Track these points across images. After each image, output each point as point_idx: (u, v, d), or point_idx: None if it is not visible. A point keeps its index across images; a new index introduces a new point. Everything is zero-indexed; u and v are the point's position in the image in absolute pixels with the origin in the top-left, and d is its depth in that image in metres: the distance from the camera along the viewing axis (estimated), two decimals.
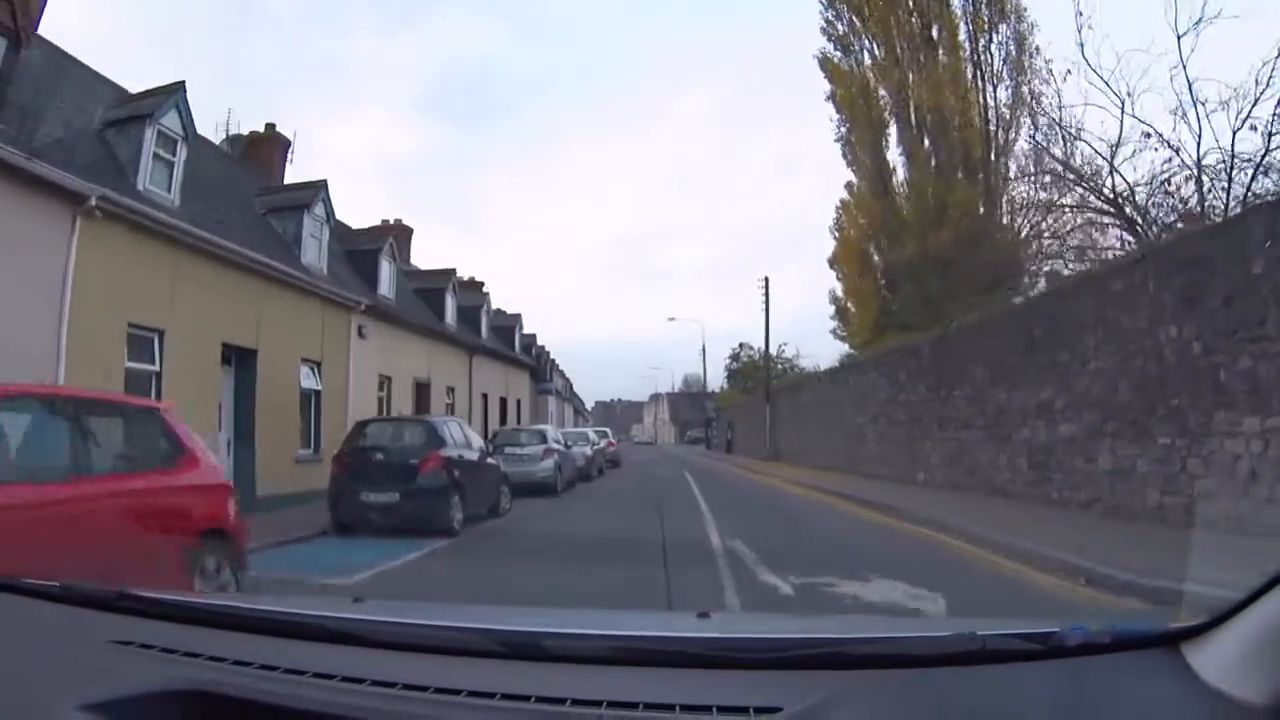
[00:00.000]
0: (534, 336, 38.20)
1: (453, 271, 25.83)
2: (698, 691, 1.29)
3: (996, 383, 15.69)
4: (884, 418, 21.86)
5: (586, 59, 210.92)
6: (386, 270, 21.12)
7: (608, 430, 35.09)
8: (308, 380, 16.83)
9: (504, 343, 32.49)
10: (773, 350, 63.21)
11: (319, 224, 18.00)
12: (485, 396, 28.60)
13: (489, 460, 14.28)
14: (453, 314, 25.64)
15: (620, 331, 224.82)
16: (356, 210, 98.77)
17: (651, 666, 1.40)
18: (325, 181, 18.35)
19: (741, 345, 65.75)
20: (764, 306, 37.34)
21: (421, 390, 22.44)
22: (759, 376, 62.60)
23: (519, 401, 33.12)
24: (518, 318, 33.73)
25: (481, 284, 36.12)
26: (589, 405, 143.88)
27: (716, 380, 68.02)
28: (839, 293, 35.76)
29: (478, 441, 14.33)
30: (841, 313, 35.99)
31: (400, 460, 12.00)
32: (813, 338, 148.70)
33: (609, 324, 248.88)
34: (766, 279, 37.86)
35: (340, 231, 21.88)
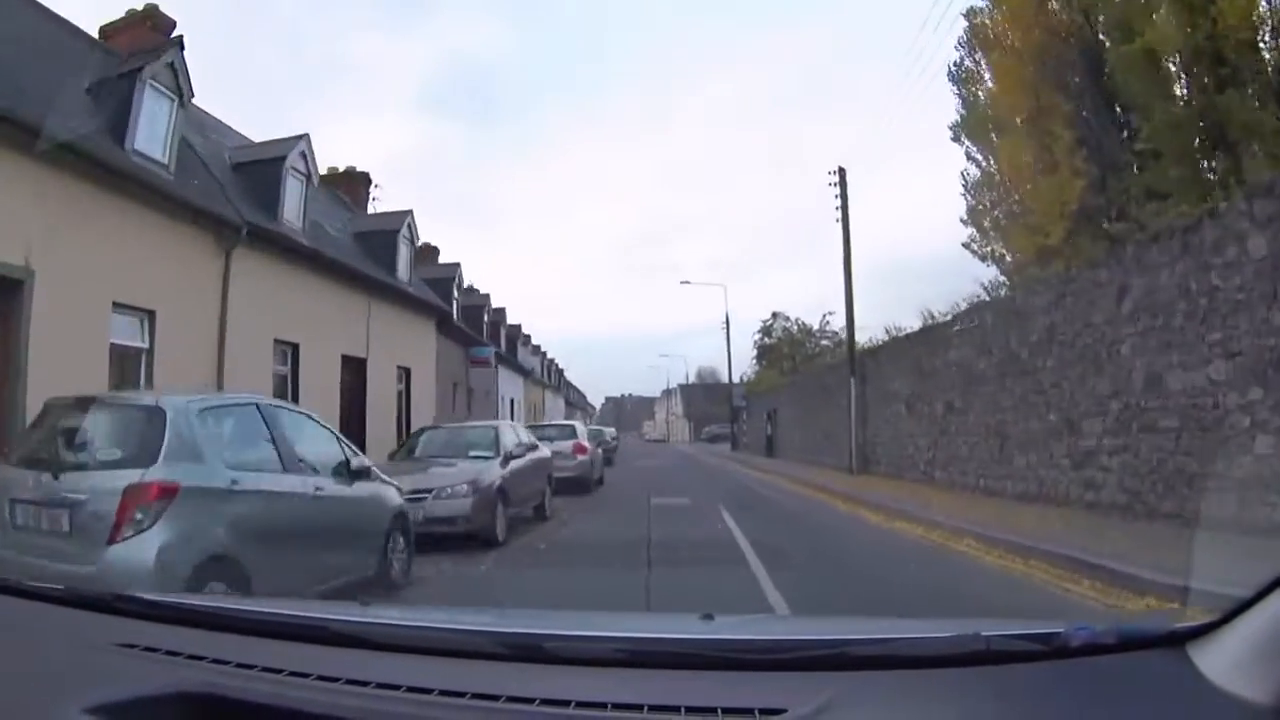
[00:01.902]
0: (455, 264, 22.70)
1: (178, 42, 10.77)
2: (702, 693, 1.27)
3: None
4: None
5: (590, 56, 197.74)
6: None
7: (577, 425, 19.75)
8: None
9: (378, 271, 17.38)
10: (813, 321, 48.79)
11: None
12: (293, 349, 13.63)
13: None
14: (166, 143, 10.68)
15: (629, 329, 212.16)
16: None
17: (656, 668, 1.38)
18: None
19: (775, 315, 50.46)
20: (838, 213, 22.00)
21: None
22: (802, 353, 47.84)
23: (407, 373, 17.98)
24: (403, 212, 18.30)
25: (367, 177, 21.32)
26: (599, 402, 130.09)
27: (737, 371, 52.26)
28: (977, 172, 20.68)
29: None
30: (978, 216, 20.89)
31: None
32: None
33: (616, 322, 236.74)
34: (841, 170, 22.59)
35: None
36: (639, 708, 1.22)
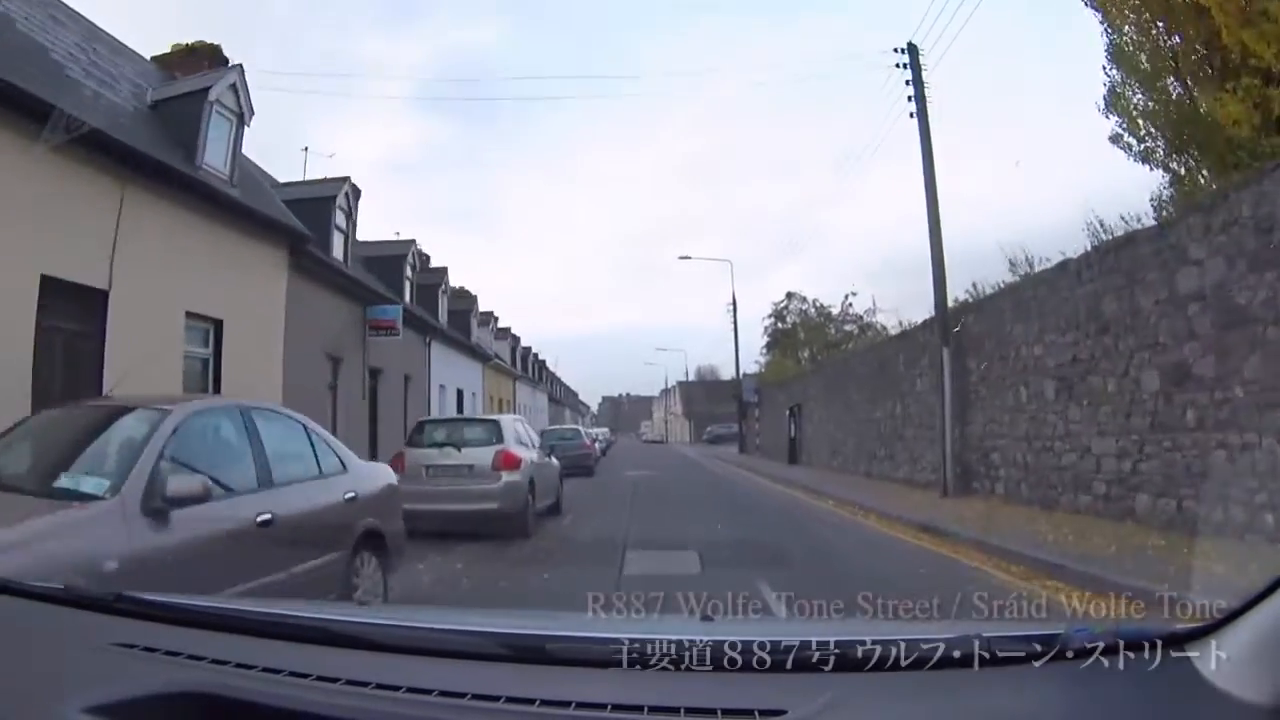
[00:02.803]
0: (341, 179, 15.43)
1: None
2: (702, 694, 1.25)
3: None
4: None
5: (592, 53, 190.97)
6: None
7: (504, 422, 11.87)
8: None
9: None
10: (830, 304, 41.69)
11: None
12: None
13: None
14: None
15: (627, 330, 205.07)
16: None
17: (655, 669, 1.33)
18: None
19: (790, 295, 43.44)
20: (912, 104, 14.84)
21: None
22: (821, 339, 40.78)
23: (216, 327, 10.58)
24: (228, 68, 11.12)
25: (217, 51, 14.33)
26: (595, 402, 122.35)
27: (742, 368, 44.89)
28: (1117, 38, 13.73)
29: None
30: (1125, 101, 13.84)
31: None
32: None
33: (615, 323, 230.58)
34: (911, 46, 15.45)
35: None
36: (639, 708, 1.21)
